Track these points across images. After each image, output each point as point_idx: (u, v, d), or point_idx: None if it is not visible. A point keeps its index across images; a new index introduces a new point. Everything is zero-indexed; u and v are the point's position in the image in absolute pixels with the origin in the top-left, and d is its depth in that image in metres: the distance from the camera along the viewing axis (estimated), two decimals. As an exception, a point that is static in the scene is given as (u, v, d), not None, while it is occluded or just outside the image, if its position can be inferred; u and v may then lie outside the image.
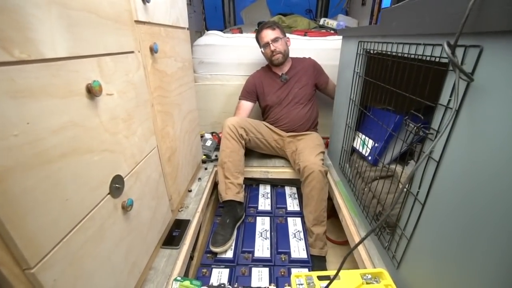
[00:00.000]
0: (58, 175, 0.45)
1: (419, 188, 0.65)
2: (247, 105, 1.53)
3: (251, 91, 1.53)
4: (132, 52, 0.71)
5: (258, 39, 1.47)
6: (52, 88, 0.43)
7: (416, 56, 0.67)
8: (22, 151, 0.38)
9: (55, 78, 0.44)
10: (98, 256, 0.57)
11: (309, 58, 1.55)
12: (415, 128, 0.69)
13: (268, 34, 1.41)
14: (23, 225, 0.39)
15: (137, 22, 0.74)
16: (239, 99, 1.54)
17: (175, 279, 0.79)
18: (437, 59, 0.59)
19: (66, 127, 0.46)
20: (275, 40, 1.40)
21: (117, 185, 0.63)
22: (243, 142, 1.33)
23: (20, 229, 0.38)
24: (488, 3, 0.43)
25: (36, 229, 0.41)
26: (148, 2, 0.77)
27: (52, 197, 0.44)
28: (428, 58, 0.62)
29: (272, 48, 1.40)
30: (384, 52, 0.84)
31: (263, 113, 1.59)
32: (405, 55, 0.72)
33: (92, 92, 0.53)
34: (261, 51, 1.47)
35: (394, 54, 0.78)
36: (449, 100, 0.55)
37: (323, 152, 1.34)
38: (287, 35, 1.53)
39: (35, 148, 0.40)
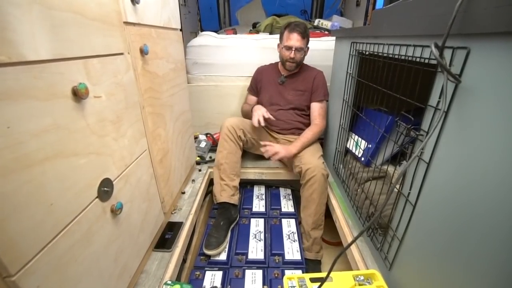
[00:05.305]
0: (41, 179, 0.44)
1: (410, 189, 0.65)
2: (252, 99, 1.56)
3: (253, 85, 1.55)
4: (121, 53, 0.70)
5: (282, 34, 1.38)
6: (34, 91, 0.42)
7: (407, 58, 0.67)
8: (1, 156, 0.37)
9: (37, 81, 0.43)
10: (85, 260, 0.56)
11: (320, 70, 1.46)
12: (406, 129, 0.69)
13: (296, 40, 1.32)
14: (3, 231, 0.38)
15: (126, 23, 0.73)
16: (247, 90, 1.59)
17: (165, 283, 0.78)
18: (427, 61, 0.59)
19: (49, 130, 0.45)
20: (298, 49, 1.34)
21: (105, 189, 0.62)
22: (241, 143, 1.32)
23: (-1, 235, 0.37)
24: (475, 5, 0.43)
25: (17, 235, 0.40)
26: (138, 3, 0.76)
27: (34, 202, 0.43)
28: (418, 60, 0.62)
29: (292, 55, 1.34)
30: (375, 53, 0.84)
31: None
32: (396, 56, 0.72)
33: (78, 94, 0.52)
34: (278, 45, 1.42)
35: (385, 55, 0.78)
36: (438, 102, 0.55)
37: (322, 155, 1.34)
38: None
39: (15, 152, 0.39)
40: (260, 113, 1.29)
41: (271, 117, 1.31)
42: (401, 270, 0.71)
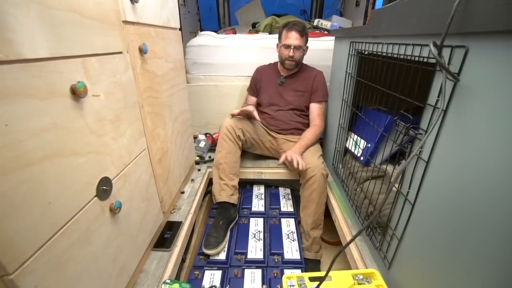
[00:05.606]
0: (40, 178, 0.44)
1: (409, 188, 0.65)
2: (252, 99, 1.56)
3: (253, 86, 1.55)
4: (120, 52, 0.70)
5: (281, 34, 1.38)
6: (32, 90, 0.42)
7: (405, 57, 0.67)
8: (0, 154, 0.37)
9: (35, 79, 0.43)
10: (84, 260, 0.56)
11: (319, 71, 1.46)
12: (405, 128, 0.69)
13: (294, 38, 1.32)
14: (1, 230, 0.38)
15: (125, 22, 0.73)
16: (247, 90, 1.59)
17: (164, 282, 0.78)
18: (425, 60, 0.59)
19: (48, 129, 0.45)
20: (297, 48, 1.33)
21: (104, 187, 0.62)
22: (240, 143, 1.32)
23: (-3, 234, 0.37)
24: (473, 4, 0.43)
25: (15, 234, 0.40)
26: (137, 2, 0.76)
27: (33, 201, 0.43)
28: (416, 59, 0.62)
29: (291, 54, 1.34)
30: (375, 53, 0.84)
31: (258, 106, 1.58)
32: (395, 56, 0.72)
33: (77, 93, 0.52)
34: (277, 44, 1.42)
35: (384, 54, 0.78)
36: (437, 100, 0.55)
37: (322, 155, 1.34)
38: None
39: (14, 151, 0.39)
40: (248, 111, 1.31)
41: (257, 118, 1.34)
42: (400, 269, 0.71)
